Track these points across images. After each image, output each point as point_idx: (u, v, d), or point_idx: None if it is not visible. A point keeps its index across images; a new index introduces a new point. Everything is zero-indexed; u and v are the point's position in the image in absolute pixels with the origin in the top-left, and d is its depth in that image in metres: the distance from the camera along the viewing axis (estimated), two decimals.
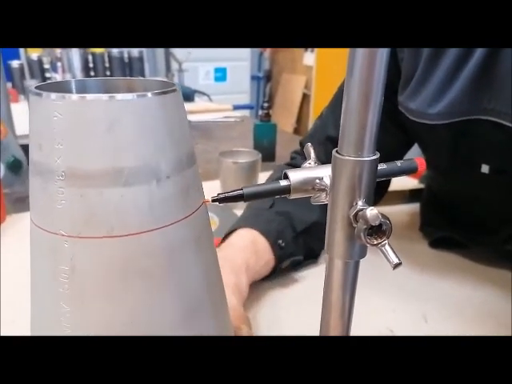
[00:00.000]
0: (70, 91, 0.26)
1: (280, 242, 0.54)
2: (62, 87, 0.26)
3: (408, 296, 0.54)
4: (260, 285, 0.55)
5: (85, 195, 0.22)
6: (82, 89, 0.26)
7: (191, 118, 1.48)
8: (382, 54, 0.19)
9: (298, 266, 0.58)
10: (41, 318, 0.26)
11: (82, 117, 0.21)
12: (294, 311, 0.51)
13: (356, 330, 0.27)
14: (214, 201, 0.27)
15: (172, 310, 0.25)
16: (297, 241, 0.56)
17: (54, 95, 0.21)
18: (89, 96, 0.21)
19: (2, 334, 0.46)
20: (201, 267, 0.26)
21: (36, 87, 0.23)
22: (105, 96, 0.21)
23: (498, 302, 0.53)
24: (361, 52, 0.19)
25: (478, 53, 0.45)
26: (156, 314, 0.24)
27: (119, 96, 0.21)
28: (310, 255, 0.59)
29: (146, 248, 0.23)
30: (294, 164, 0.65)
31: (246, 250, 0.51)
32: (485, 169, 0.51)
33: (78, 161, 0.21)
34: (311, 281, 0.57)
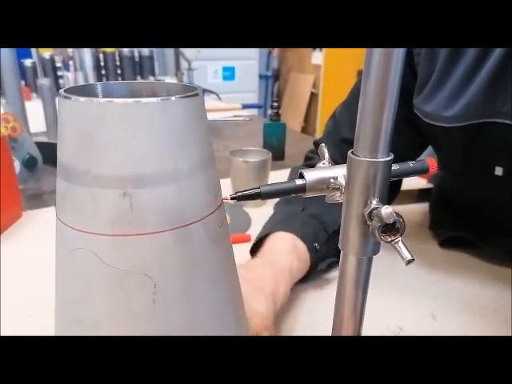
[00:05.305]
0: (95, 95, 0.27)
1: (316, 245, 0.54)
2: (87, 90, 0.27)
3: (417, 295, 0.55)
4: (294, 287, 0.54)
5: (111, 195, 0.23)
6: (107, 92, 0.28)
7: None
8: (398, 55, 0.20)
9: (332, 267, 0.58)
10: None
11: (108, 120, 0.22)
12: (329, 312, 0.51)
13: (366, 328, 0.28)
14: (232, 198, 0.27)
15: (200, 308, 0.26)
16: (328, 242, 0.57)
17: (82, 99, 0.22)
18: (115, 100, 0.22)
19: (19, 329, 0.47)
20: (222, 262, 0.27)
21: (64, 90, 0.24)
22: (130, 100, 0.22)
23: (507, 301, 0.53)
24: (377, 53, 0.20)
25: (494, 56, 0.46)
26: (190, 315, 0.25)
27: (144, 100, 0.22)
28: (339, 255, 0.59)
29: (167, 246, 0.24)
30: (312, 164, 0.66)
31: (289, 255, 0.52)
32: (498, 171, 0.51)
33: (103, 164, 0.22)
34: None
